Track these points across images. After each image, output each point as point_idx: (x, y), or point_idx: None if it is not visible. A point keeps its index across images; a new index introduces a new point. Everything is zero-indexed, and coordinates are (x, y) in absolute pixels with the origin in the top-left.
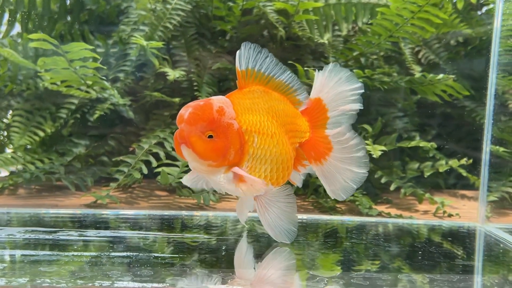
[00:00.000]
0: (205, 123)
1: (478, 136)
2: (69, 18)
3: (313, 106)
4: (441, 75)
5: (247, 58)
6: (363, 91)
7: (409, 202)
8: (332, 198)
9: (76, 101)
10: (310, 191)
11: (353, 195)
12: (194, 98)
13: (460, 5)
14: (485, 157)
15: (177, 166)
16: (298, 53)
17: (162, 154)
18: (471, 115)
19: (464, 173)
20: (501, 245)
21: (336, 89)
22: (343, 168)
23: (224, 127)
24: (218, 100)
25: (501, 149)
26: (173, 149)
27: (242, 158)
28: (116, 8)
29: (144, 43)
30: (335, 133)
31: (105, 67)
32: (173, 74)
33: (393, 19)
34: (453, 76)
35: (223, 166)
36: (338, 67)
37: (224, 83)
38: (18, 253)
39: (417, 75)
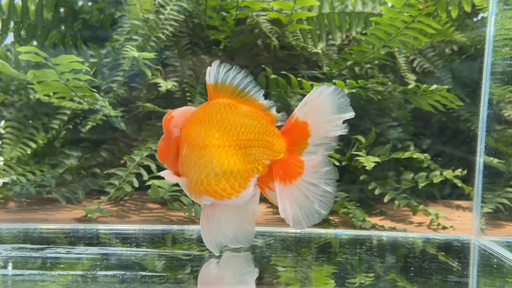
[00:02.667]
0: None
1: (473, 146)
2: (62, 28)
3: (297, 129)
4: (434, 86)
5: (216, 72)
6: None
7: (404, 213)
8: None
9: (68, 112)
10: None
11: (346, 207)
12: None
13: (454, 14)
14: (478, 167)
15: None
16: (292, 63)
17: (153, 167)
18: (466, 124)
19: (459, 184)
20: (495, 260)
21: (326, 117)
22: (310, 194)
23: (167, 133)
24: (178, 110)
25: (495, 160)
26: None
27: (176, 163)
28: (110, 18)
29: (136, 54)
30: (311, 160)
31: (95, 79)
32: (165, 85)
33: (386, 29)
34: (446, 86)
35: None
36: (333, 92)
37: None
38: (2, 272)
39: (411, 85)
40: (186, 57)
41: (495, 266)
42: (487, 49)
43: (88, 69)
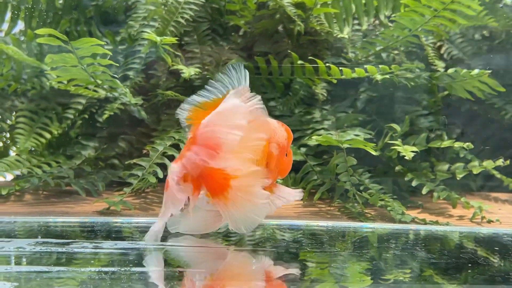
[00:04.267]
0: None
1: (507, 135)
2: (74, 15)
3: None
4: (476, 70)
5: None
6: None
7: (441, 206)
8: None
9: (83, 101)
10: (337, 195)
11: (383, 200)
12: None
13: None
14: None
15: None
16: (315, 49)
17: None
18: (500, 113)
19: (498, 175)
20: None
21: None
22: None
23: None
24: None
25: None
26: None
27: None
28: (124, 3)
29: (158, 39)
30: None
31: (117, 64)
32: (187, 71)
33: (421, 10)
34: (489, 71)
35: None
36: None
37: None
38: (28, 269)
39: (450, 70)
40: (205, 43)
41: None
42: None
43: (110, 53)
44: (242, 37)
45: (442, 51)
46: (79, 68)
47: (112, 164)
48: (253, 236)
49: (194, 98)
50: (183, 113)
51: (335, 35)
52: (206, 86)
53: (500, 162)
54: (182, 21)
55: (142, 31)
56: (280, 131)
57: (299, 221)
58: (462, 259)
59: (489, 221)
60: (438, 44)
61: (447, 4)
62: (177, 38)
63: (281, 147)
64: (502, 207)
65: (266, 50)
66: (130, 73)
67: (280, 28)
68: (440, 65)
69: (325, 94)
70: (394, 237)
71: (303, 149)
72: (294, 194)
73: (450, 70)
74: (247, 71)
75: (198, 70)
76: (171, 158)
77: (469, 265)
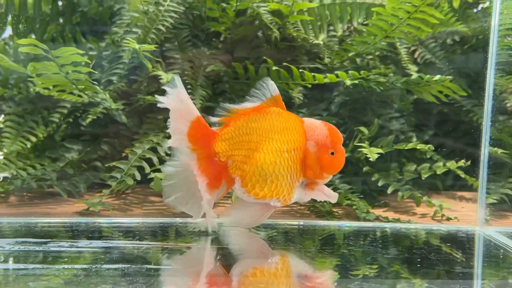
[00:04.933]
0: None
1: (476, 137)
2: (61, 21)
3: None
4: (438, 76)
5: None
6: None
7: (407, 205)
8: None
9: (68, 105)
10: None
11: (349, 199)
12: None
13: (456, 4)
14: (483, 158)
15: None
16: (293, 54)
17: (155, 160)
18: (468, 115)
19: (462, 175)
20: (501, 250)
21: None
22: None
23: None
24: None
25: (500, 150)
26: (167, 154)
27: None
28: (109, 10)
29: (136, 46)
30: None
31: (96, 72)
32: (166, 77)
33: (388, 19)
34: (450, 77)
35: None
36: None
37: (219, 85)
38: (5, 267)
39: (414, 76)
40: (186, 49)
41: (501, 256)
42: (492, 39)
43: (89, 61)
44: (222, 42)
45: (415, 55)
46: (60, 75)
47: (95, 167)
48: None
49: (227, 105)
50: (220, 113)
51: (310, 41)
52: (246, 97)
53: (461, 163)
54: (163, 28)
55: (125, 38)
56: (320, 130)
57: (270, 220)
58: (415, 255)
59: (448, 219)
60: (412, 48)
61: (412, 13)
62: (156, 46)
63: (320, 145)
64: (465, 206)
65: (245, 55)
66: (114, 78)
67: (260, 34)
68: (413, 69)
69: (301, 98)
70: (356, 235)
71: None
72: (329, 195)
73: (414, 76)
74: (273, 82)
75: (176, 76)
76: (149, 161)
77: (419, 260)
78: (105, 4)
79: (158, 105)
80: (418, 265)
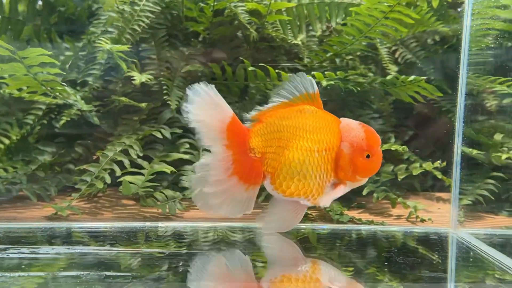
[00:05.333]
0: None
1: (454, 136)
2: (37, 21)
3: None
4: (412, 77)
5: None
6: None
7: (383, 206)
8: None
9: (43, 107)
10: None
11: None
12: (164, 102)
13: (435, 4)
14: (456, 159)
15: (142, 174)
16: (272, 54)
17: (126, 162)
18: (448, 115)
19: (439, 176)
20: (471, 253)
21: None
22: None
23: None
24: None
25: (474, 151)
26: (139, 156)
27: None
28: (87, 10)
29: (108, 46)
30: None
31: (64, 73)
32: (139, 78)
33: (365, 19)
34: (424, 77)
35: None
36: None
37: None
38: None
39: (389, 76)
40: (163, 49)
41: (470, 259)
42: (464, 39)
43: (56, 62)
44: (201, 42)
45: (396, 55)
46: (29, 77)
47: (68, 169)
48: (206, 238)
49: (265, 105)
50: (253, 112)
51: (289, 41)
52: (275, 92)
53: (437, 164)
54: (138, 28)
55: (99, 38)
56: (356, 131)
57: (242, 223)
58: (383, 258)
59: (422, 220)
60: (393, 48)
61: (387, 13)
62: (129, 46)
63: (356, 147)
64: (442, 207)
65: (224, 55)
66: (89, 78)
67: (239, 34)
68: (393, 69)
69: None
70: (329, 237)
71: None
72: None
73: (389, 76)
74: (312, 78)
75: (150, 77)
76: (120, 164)
77: (386, 263)
78: (83, 4)
79: (189, 104)
80: (386, 269)
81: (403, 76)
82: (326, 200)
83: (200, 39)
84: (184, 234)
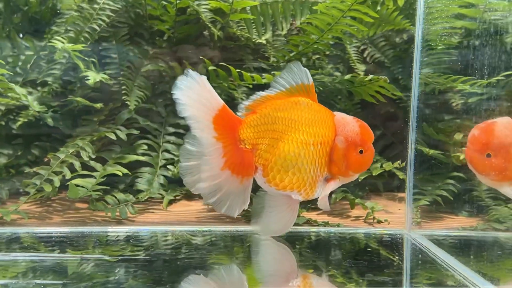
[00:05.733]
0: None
1: (420, 137)
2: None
3: None
4: (370, 76)
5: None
6: None
7: (344, 207)
8: None
9: (3, 108)
10: None
11: None
12: (123, 102)
13: (401, 2)
14: (410, 159)
15: (93, 177)
16: (238, 53)
17: (77, 165)
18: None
19: (401, 176)
20: (420, 256)
21: None
22: None
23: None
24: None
25: (431, 150)
26: (91, 159)
27: None
28: (51, 9)
29: (60, 45)
30: None
31: (11, 73)
32: (93, 77)
33: (324, 18)
34: (384, 77)
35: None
36: None
37: (159, 85)
38: None
39: (347, 76)
40: (124, 48)
41: (420, 262)
42: (417, 38)
43: (2, 62)
44: (167, 41)
45: (365, 55)
46: None
47: (22, 172)
48: (167, 241)
49: (260, 92)
50: (247, 102)
51: (254, 40)
52: (271, 82)
53: (397, 164)
54: (97, 27)
55: (54, 38)
56: (351, 126)
57: (196, 227)
58: (329, 261)
59: (379, 222)
60: (362, 47)
61: (345, 11)
62: (84, 46)
63: (350, 141)
64: (403, 207)
65: (189, 54)
66: (49, 79)
67: (205, 32)
68: (361, 68)
69: (245, 99)
70: (284, 240)
71: None
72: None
73: (347, 76)
74: (306, 69)
75: (105, 76)
76: (71, 167)
77: (330, 267)
78: (49, 3)
79: (177, 93)
80: (330, 273)
81: (361, 76)
82: (318, 195)
83: (165, 38)
84: (133, 239)
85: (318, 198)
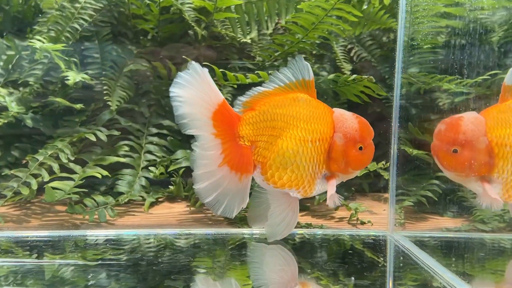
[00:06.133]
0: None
1: (406, 136)
2: None
3: None
4: (353, 76)
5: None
6: None
7: (328, 208)
8: None
9: None
10: None
11: None
12: (106, 102)
13: (387, 1)
14: (392, 160)
15: (72, 179)
16: (223, 53)
17: (56, 167)
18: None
19: (387, 176)
20: (401, 258)
21: None
22: None
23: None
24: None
25: (415, 151)
26: (70, 160)
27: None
28: (34, 8)
29: (38, 45)
30: None
31: None
32: (73, 77)
33: (307, 17)
34: (368, 76)
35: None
36: None
37: (143, 85)
38: None
39: (331, 75)
40: (106, 48)
41: (401, 265)
42: (399, 36)
43: None
44: (151, 41)
45: (352, 54)
46: None
47: (2, 174)
48: (149, 244)
49: (258, 88)
50: (244, 98)
51: (238, 39)
52: (270, 77)
53: (381, 164)
54: (78, 27)
55: (33, 37)
56: (350, 122)
57: (176, 229)
58: (307, 264)
59: (362, 223)
60: (349, 46)
61: (329, 10)
62: (64, 46)
63: (349, 138)
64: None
65: (173, 54)
66: (31, 79)
67: (191, 32)
68: (347, 67)
69: (230, 99)
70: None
71: None
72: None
73: (331, 76)
74: (308, 64)
75: (86, 76)
76: (49, 169)
77: (308, 270)
78: (29, 2)
79: (175, 88)
80: (308, 277)
81: (345, 75)
82: (317, 192)
83: (149, 37)
84: (112, 242)
85: (315, 196)
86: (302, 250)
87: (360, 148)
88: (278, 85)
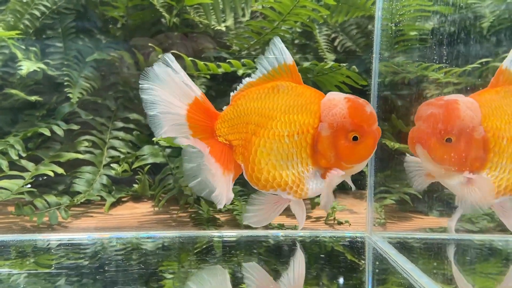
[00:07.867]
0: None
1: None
2: None
3: None
4: (330, 63)
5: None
6: None
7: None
8: None
9: None
10: (183, 201)
11: (232, 203)
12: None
13: None
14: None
15: (22, 178)
16: (197, 42)
17: (5, 164)
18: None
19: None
20: (378, 263)
21: None
22: None
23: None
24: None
25: (397, 144)
26: (21, 157)
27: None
28: None
29: None
30: None
31: None
32: (27, 68)
33: (284, 1)
34: (345, 64)
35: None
36: None
37: (111, 76)
38: None
39: (305, 64)
40: (70, 36)
41: (376, 271)
42: (376, 26)
43: None
44: (121, 29)
45: (336, 43)
46: None
47: None
48: (114, 247)
49: (246, 79)
50: (234, 92)
51: (212, 27)
52: (256, 64)
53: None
54: (38, 13)
55: None
56: (338, 108)
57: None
58: (275, 265)
59: (339, 223)
60: (333, 35)
61: None
62: (18, 33)
63: (336, 127)
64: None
65: (144, 43)
66: None
67: (164, 20)
68: (330, 57)
69: (204, 90)
70: (238, 244)
71: (168, 150)
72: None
73: (306, 64)
74: (284, 46)
75: (43, 66)
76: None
77: (273, 272)
78: None
79: (142, 85)
80: (263, 281)
81: (321, 64)
82: (314, 192)
83: (118, 25)
84: (63, 247)
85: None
86: (272, 254)
87: (355, 138)
88: (262, 74)
